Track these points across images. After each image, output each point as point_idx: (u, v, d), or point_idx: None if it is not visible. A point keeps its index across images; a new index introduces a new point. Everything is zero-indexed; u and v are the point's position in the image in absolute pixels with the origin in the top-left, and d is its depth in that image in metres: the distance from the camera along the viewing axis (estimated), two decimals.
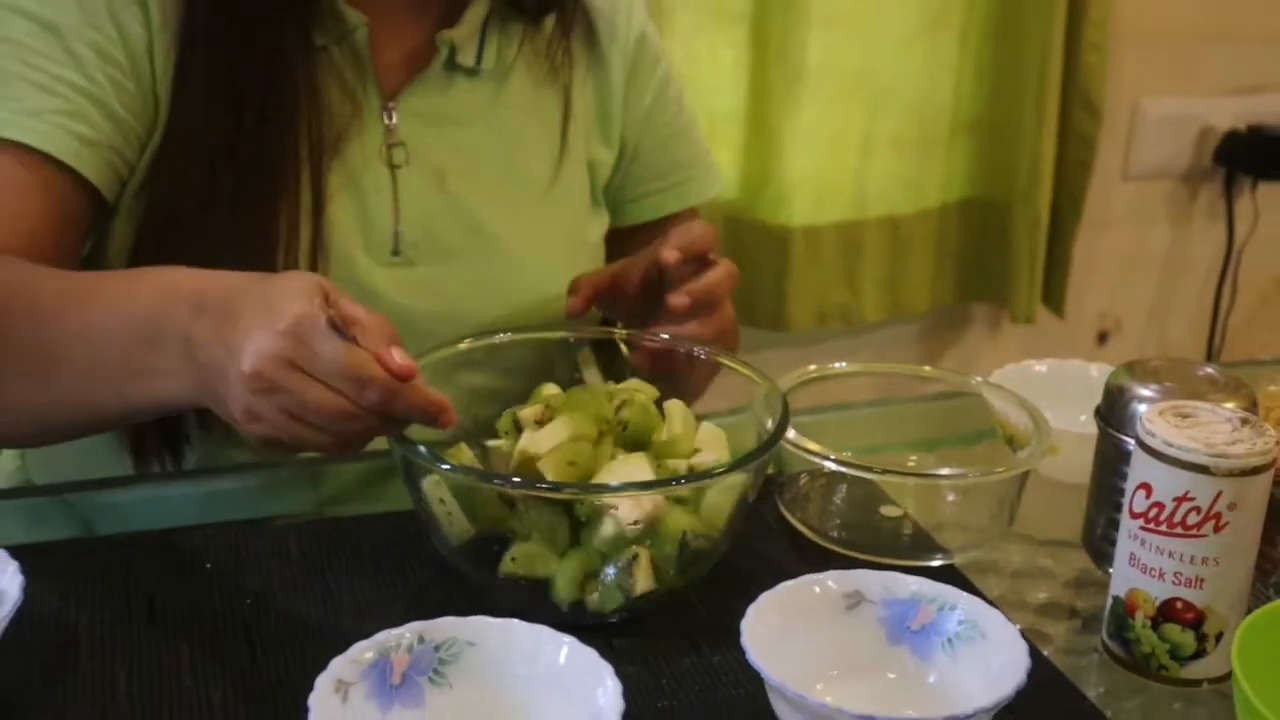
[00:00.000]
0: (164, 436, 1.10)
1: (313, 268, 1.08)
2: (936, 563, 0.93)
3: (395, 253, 1.14)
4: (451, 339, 1.00)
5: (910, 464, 1.07)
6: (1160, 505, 0.80)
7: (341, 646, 0.71)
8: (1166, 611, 0.82)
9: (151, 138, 1.07)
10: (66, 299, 0.92)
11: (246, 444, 1.05)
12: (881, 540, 0.96)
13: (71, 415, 0.93)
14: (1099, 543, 0.93)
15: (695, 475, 0.88)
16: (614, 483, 0.86)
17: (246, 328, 0.79)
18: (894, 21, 1.97)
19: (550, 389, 0.97)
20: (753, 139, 1.96)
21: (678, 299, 1.03)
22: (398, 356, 0.80)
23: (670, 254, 1.03)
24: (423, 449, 0.83)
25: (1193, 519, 0.79)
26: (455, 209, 1.17)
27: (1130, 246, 2.30)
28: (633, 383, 0.98)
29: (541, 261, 1.19)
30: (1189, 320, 2.35)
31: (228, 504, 1.05)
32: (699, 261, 1.06)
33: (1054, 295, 2.16)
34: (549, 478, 0.86)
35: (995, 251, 2.12)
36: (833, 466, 0.93)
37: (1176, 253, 2.33)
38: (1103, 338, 2.30)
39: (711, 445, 0.93)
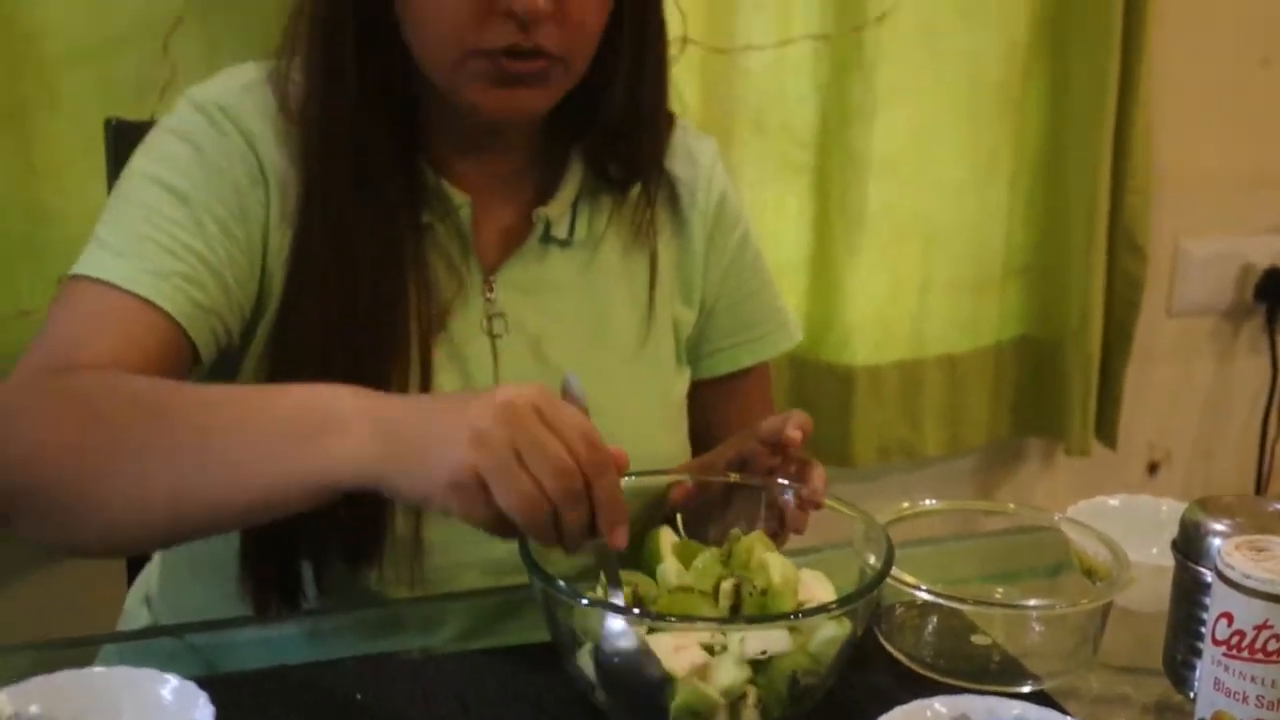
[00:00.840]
0: (282, 592, 1.15)
1: None
2: (1027, 689, 1.00)
3: None
4: None
5: (997, 595, 1.13)
6: (1241, 634, 0.87)
7: None
8: None
9: (256, 315, 1.14)
10: (215, 391, 1.00)
11: (362, 588, 1.14)
12: (974, 667, 1.02)
13: (216, 496, 0.94)
14: (1179, 668, 1.00)
15: (810, 610, 0.93)
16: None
17: (488, 398, 0.88)
18: (947, 170, 2.03)
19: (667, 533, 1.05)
20: (817, 283, 2.01)
21: (798, 514, 1.11)
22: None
23: (793, 435, 1.10)
24: (563, 583, 0.91)
25: (1273, 645, 0.86)
26: (551, 374, 1.20)
27: (1177, 380, 2.34)
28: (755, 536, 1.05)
29: (633, 420, 1.23)
30: (1237, 450, 2.39)
31: (348, 642, 1.11)
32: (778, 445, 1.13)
33: (1106, 428, 2.19)
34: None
35: (1049, 387, 2.16)
36: (926, 597, 1.01)
37: (1222, 385, 2.37)
38: (1153, 468, 2.34)
39: (815, 588, 0.99)
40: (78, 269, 1.09)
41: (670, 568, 1.03)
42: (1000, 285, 2.12)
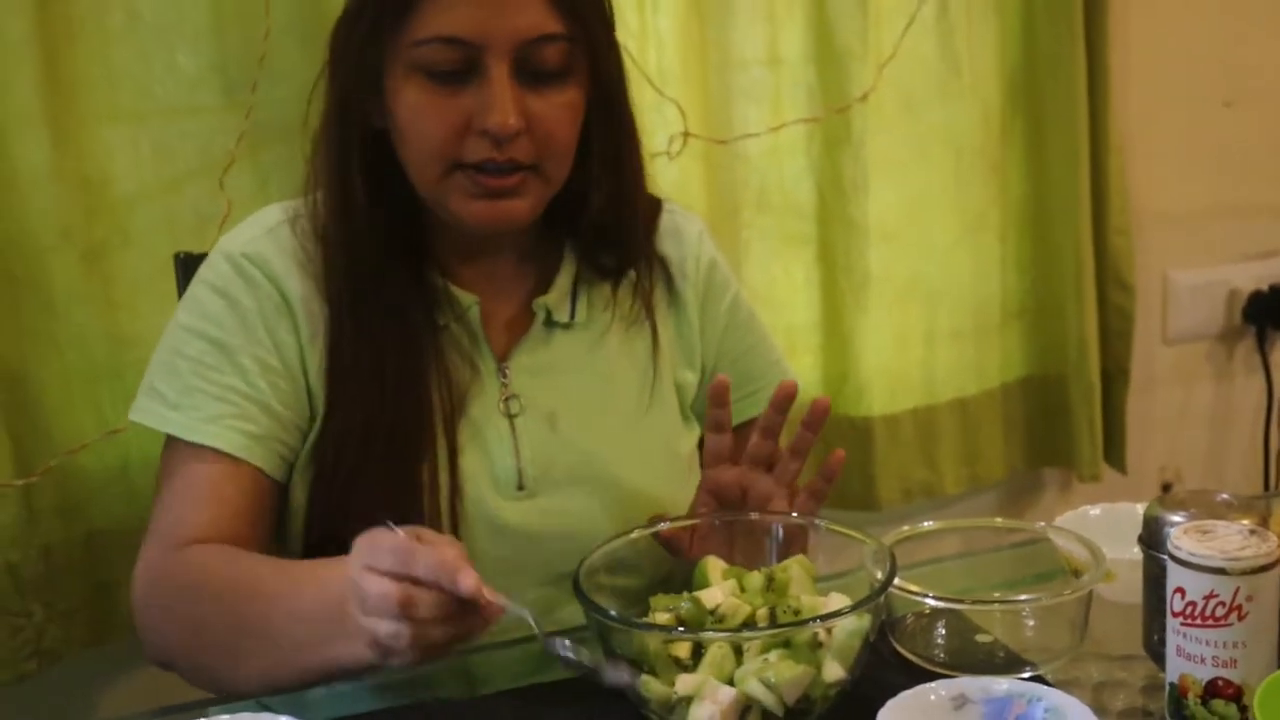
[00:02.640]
0: None
1: (452, 509, 1.27)
2: (1027, 675, 1.13)
3: (520, 488, 1.30)
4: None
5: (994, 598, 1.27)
6: (1194, 604, 1.00)
7: None
8: (1212, 689, 1.00)
9: (312, 424, 1.28)
10: (269, 582, 1.15)
11: None
12: (979, 662, 1.15)
13: (281, 678, 1.14)
14: (1156, 646, 1.11)
15: (833, 613, 1.05)
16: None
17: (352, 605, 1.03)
18: (940, 229, 2.13)
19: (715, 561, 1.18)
20: (829, 343, 2.11)
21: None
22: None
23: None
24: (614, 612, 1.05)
25: (1220, 612, 0.99)
26: (566, 444, 1.33)
27: (1179, 403, 2.44)
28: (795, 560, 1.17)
29: (643, 478, 1.34)
30: (1243, 463, 2.48)
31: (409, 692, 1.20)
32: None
33: (1115, 454, 2.28)
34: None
35: (1057, 419, 2.25)
36: (932, 603, 1.15)
37: (1222, 404, 2.47)
38: (1167, 488, 2.42)
39: (838, 604, 1.11)
40: (138, 417, 1.28)
41: (715, 592, 1.13)
42: (1000, 330, 2.22)
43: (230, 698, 1.17)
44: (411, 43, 1.21)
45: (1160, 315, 2.40)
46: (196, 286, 1.31)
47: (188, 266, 1.56)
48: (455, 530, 1.26)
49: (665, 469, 1.38)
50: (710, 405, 1.28)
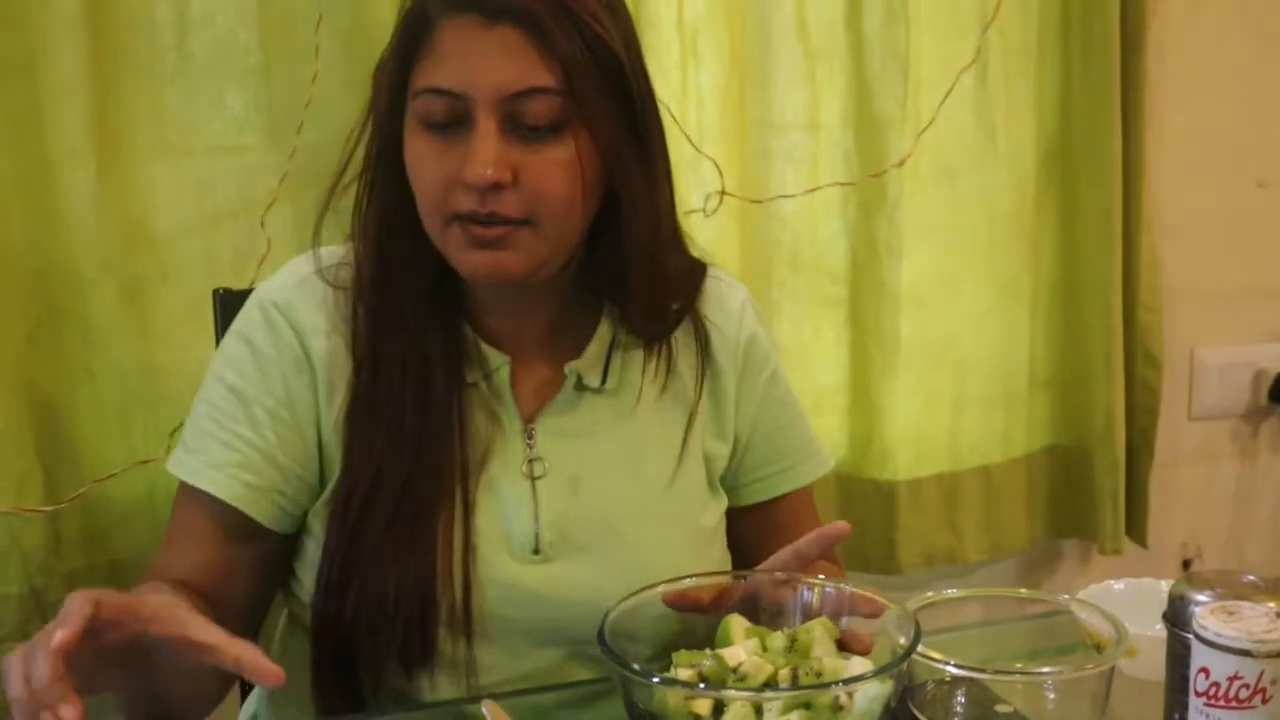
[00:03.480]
0: (345, 698, 1.27)
1: (465, 568, 1.24)
2: None
3: (535, 551, 1.27)
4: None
5: (1016, 668, 1.26)
6: (1217, 684, 0.99)
7: None
8: None
9: (322, 481, 1.27)
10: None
11: (416, 698, 1.25)
12: None
13: None
14: None
15: (856, 678, 1.05)
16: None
17: None
18: (971, 296, 2.14)
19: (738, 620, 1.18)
20: (856, 405, 2.12)
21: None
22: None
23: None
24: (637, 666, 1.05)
25: (1244, 694, 0.98)
26: (587, 511, 1.30)
27: (1203, 480, 2.44)
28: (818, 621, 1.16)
29: (665, 551, 1.31)
30: (1265, 543, 2.47)
31: None
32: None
33: (1136, 528, 2.28)
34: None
35: (1080, 491, 2.25)
36: (954, 671, 1.14)
37: (1246, 483, 2.47)
38: (1187, 565, 2.43)
39: (860, 669, 1.10)
40: (178, 472, 1.28)
41: (738, 651, 1.12)
42: (1028, 399, 2.22)
43: None
44: (413, 94, 1.21)
45: (1186, 392, 2.40)
46: (230, 335, 1.32)
47: (226, 303, 1.60)
48: (467, 591, 1.25)
49: (687, 540, 1.36)
50: (816, 541, 1.23)
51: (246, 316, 1.31)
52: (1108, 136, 2.12)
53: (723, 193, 1.92)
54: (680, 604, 1.19)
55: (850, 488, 2.13)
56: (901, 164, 2.04)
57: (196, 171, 1.75)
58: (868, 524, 2.14)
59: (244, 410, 1.26)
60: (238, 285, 1.66)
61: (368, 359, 1.26)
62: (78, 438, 1.73)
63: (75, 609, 0.96)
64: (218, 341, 1.58)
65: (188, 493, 1.27)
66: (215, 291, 1.61)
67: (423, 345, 1.26)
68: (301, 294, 1.30)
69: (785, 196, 2.03)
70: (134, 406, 1.75)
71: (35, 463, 1.67)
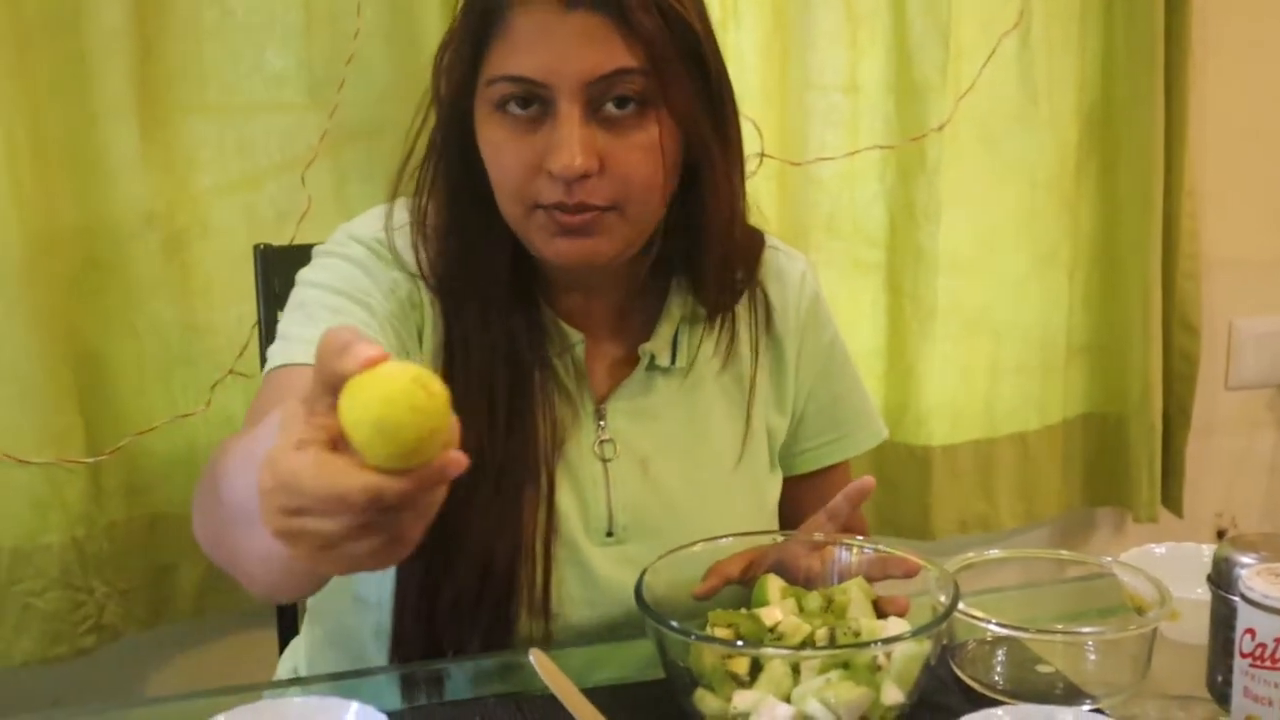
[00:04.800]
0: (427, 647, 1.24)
1: (546, 548, 1.23)
2: (1087, 708, 1.13)
3: (609, 534, 1.28)
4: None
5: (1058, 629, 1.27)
6: (1264, 646, 1.00)
7: None
8: None
9: None
10: (225, 468, 0.98)
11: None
12: (1039, 692, 1.14)
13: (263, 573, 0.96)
14: (1220, 688, 1.11)
15: (896, 637, 1.06)
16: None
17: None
18: (1009, 263, 2.14)
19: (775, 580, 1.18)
20: (892, 371, 2.12)
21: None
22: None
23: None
24: (675, 623, 1.04)
25: None
26: (657, 492, 1.30)
27: (1239, 449, 2.44)
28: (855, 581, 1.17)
29: (730, 529, 1.25)
30: None
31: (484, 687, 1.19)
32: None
33: (1172, 497, 2.28)
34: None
35: (1115, 460, 2.25)
36: (995, 630, 1.15)
37: None
38: (1221, 535, 2.43)
39: (898, 629, 1.11)
40: (274, 363, 1.18)
41: (774, 611, 1.14)
42: (1064, 367, 2.22)
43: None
44: (486, 81, 1.18)
45: (1224, 361, 2.40)
46: (328, 259, 1.26)
47: (267, 259, 1.62)
48: (547, 572, 1.25)
49: (753, 520, 1.34)
50: (845, 500, 1.24)
51: (348, 248, 1.26)
52: (1150, 103, 2.11)
53: (762, 154, 1.92)
54: (711, 592, 1.20)
55: (885, 453, 2.13)
56: (941, 128, 2.04)
57: (238, 128, 1.76)
58: (902, 490, 2.14)
59: (375, 320, 1.20)
60: (278, 241, 1.67)
61: (458, 343, 1.24)
62: (119, 391, 1.74)
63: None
64: (259, 297, 1.62)
65: (283, 379, 1.15)
66: (256, 247, 1.63)
67: (508, 327, 1.24)
68: (401, 239, 1.26)
69: (824, 159, 2.03)
70: (175, 361, 1.77)
71: (77, 415, 1.69)
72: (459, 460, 0.75)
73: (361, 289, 1.22)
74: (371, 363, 0.73)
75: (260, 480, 0.76)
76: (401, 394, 0.72)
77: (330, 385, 0.74)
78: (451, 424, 0.74)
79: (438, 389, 0.73)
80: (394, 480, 0.73)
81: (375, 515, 0.74)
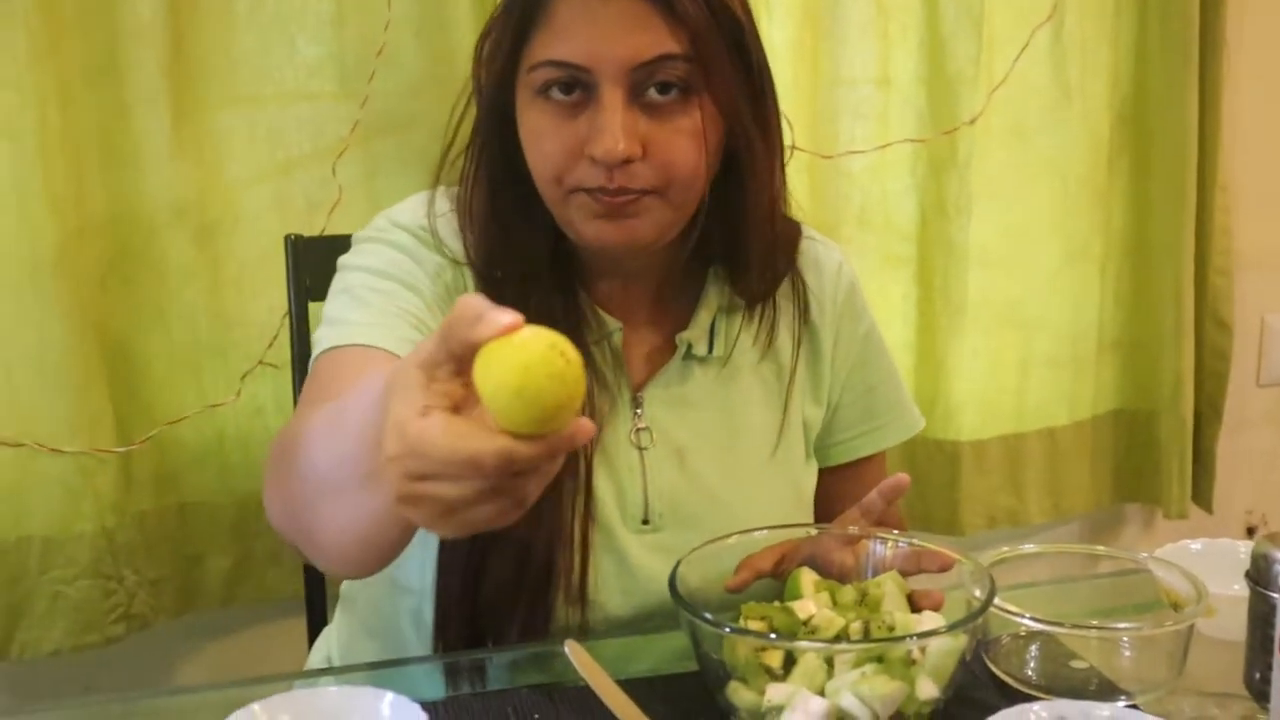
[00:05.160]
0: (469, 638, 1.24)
1: (583, 536, 1.24)
2: (1122, 703, 1.13)
3: (645, 521, 1.28)
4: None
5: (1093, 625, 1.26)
6: None
7: None
8: None
9: None
10: (309, 435, 0.97)
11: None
12: (1073, 687, 1.13)
13: (351, 538, 0.95)
14: (1258, 685, 1.10)
15: (931, 631, 1.06)
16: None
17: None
18: (1040, 257, 2.13)
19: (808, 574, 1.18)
20: (922, 365, 2.12)
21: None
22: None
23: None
24: (709, 615, 1.04)
25: None
26: (693, 481, 1.30)
27: (1270, 446, 2.43)
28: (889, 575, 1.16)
29: (767, 520, 1.26)
30: None
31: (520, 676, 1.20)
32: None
33: (1202, 493, 2.27)
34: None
35: (1145, 455, 2.25)
36: (1030, 625, 1.14)
37: None
38: (1250, 532, 2.42)
39: (932, 623, 1.11)
40: (324, 346, 1.18)
41: (808, 604, 1.14)
42: (1095, 362, 2.21)
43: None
44: (529, 67, 1.19)
45: (1256, 358, 2.39)
46: (372, 244, 1.26)
47: (298, 250, 1.62)
48: (584, 559, 1.25)
49: (789, 511, 1.35)
50: (880, 496, 1.23)
51: (391, 235, 1.26)
52: (1184, 97, 2.10)
53: (793, 147, 1.91)
54: (743, 585, 1.20)
55: (914, 448, 2.12)
56: (973, 121, 2.03)
57: (269, 119, 1.76)
58: (931, 484, 2.14)
59: (424, 304, 1.21)
60: (308, 232, 1.67)
61: None
62: (149, 381, 1.74)
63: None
64: (289, 288, 1.62)
65: (354, 353, 1.15)
66: (287, 238, 1.63)
67: (546, 309, 1.23)
68: (445, 226, 1.27)
69: (855, 152, 2.02)
70: (205, 351, 1.77)
71: (107, 405, 1.69)
72: (588, 427, 0.76)
73: (408, 272, 1.23)
74: (509, 330, 0.73)
75: (386, 446, 0.76)
76: (540, 361, 0.73)
77: (456, 353, 0.75)
78: (583, 391, 0.75)
79: (574, 356, 0.74)
80: (526, 445, 0.74)
81: (503, 480, 0.75)
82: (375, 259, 1.24)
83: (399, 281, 1.22)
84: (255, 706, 1.00)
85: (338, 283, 1.26)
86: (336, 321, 1.20)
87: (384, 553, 0.99)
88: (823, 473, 1.43)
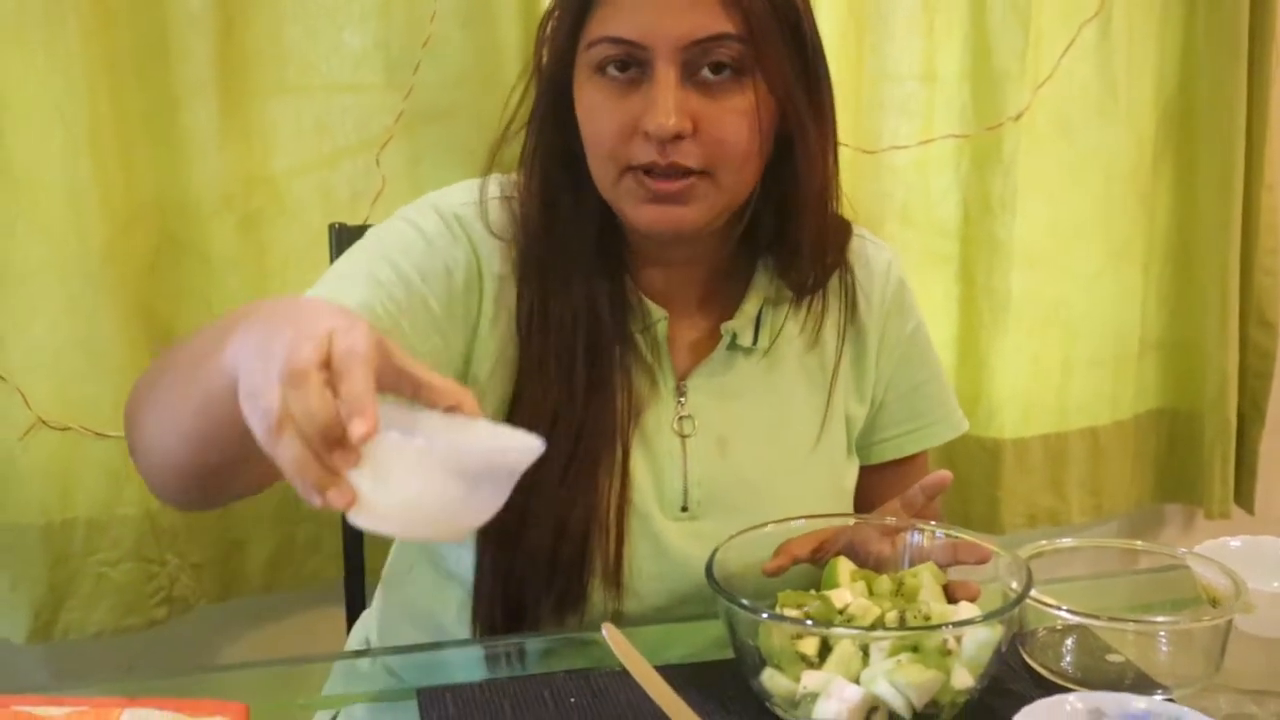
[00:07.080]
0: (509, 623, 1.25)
1: (619, 518, 1.24)
2: (1159, 696, 1.12)
3: (684, 509, 1.28)
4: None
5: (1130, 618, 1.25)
6: None
7: None
8: None
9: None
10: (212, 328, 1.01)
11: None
12: (1109, 680, 1.13)
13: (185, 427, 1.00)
14: None
15: (967, 620, 1.05)
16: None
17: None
18: (1084, 257, 2.12)
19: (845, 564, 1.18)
20: (964, 363, 2.11)
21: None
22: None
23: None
24: (746, 602, 1.04)
25: None
26: (734, 471, 1.30)
27: None
28: (925, 566, 1.17)
29: (806, 511, 1.25)
30: None
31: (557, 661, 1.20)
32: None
33: (1245, 494, 2.26)
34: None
35: (1187, 455, 2.24)
36: (1067, 618, 1.14)
37: None
38: None
39: (969, 614, 1.10)
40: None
41: (844, 593, 1.14)
42: (1138, 362, 2.21)
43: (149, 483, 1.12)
44: (587, 44, 1.20)
45: None
46: (400, 222, 1.27)
47: (341, 238, 1.62)
48: (620, 543, 1.25)
49: (829, 503, 1.34)
50: (921, 491, 1.24)
51: (425, 217, 1.26)
52: (1232, 95, 2.08)
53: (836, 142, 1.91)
54: (779, 570, 1.20)
55: (955, 445, 2.05)
56: (1018, 118, 2.02)
57: (314, 109, 1.78)
58: (972, 482, 2.13)
59: (401, 284, 1.20)
60: (352, 222, 1.68)
61: (538, 310, 1.25)
62: None
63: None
64: None
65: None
66: (331, 227, 1.63)
67: (590, 297, 1.25)
68: (484, 216, 1.28)
69: (898, 148, 2.02)
70: None
71: None
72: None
73: (414, 264, 1.22)
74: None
75: (295, 342, 0.82)
76: None
77: (389, 379, 0.87)
78: None
79: None
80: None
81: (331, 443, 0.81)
82: (395, 238, 1.25)
83: (398, 271, 1.21)
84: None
85: (359, 243, 1.26)
86: (324, 281, 1.21)
87: (196, 456, 1.03)
88: (865, 471, 1.43)
